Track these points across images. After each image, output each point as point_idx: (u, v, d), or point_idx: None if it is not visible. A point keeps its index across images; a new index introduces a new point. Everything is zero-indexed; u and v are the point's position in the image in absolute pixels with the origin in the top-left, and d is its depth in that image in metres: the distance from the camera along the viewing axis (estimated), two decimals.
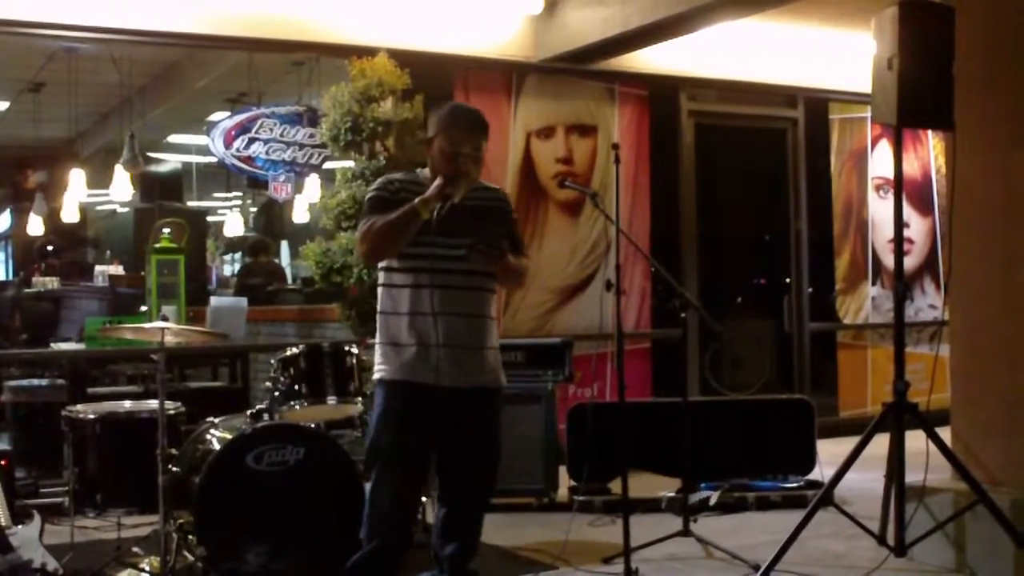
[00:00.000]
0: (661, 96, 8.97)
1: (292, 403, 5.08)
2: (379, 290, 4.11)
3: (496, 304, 4.18)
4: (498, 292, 4.21)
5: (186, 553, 4.95)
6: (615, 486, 6.37)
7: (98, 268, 11.20)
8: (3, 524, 4.43)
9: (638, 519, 5.45)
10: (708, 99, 9.37)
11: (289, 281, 12.31)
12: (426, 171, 4.15)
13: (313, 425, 5.09)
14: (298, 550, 4.84)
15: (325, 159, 8.79)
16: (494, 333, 4.15)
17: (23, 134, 13.11)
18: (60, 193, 11.33)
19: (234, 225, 13.38)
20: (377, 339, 4.10)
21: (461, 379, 3.99)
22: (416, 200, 3.87)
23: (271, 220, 15.60)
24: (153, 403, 5.23)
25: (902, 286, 5.03)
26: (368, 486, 4.04)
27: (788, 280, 9.71)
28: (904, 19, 4.72)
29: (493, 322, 4.14)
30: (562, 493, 6.67)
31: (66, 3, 6.81)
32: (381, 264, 4.10)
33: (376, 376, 4.10)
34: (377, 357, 4.09)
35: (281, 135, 8.56)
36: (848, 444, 4.90)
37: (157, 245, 8.03)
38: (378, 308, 4.10)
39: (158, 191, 13.83)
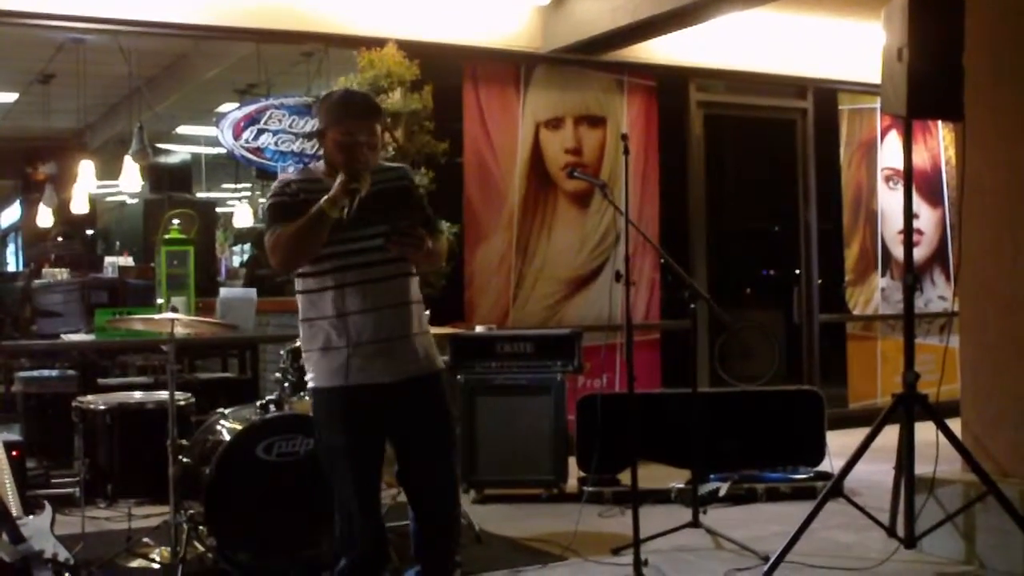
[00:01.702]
0: (670, 87, 8.95)
1: (302, 394, 5.07)
2: (298, 297, 3.90)
3: (418, 287, 3.96)
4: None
5: (196, 543, 4.97)
6: (624, 477, 6.36)
7: (107, 259, 11.21)
8: (15, 514, 4.44)
9: (647, 510, 5.46)
10: (717, 90, 9.35)
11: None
12: (320, 165, 3.95)
13: None
14: (308, 541, 4.85)
15: None
16: (422, 318, 3.94)
17: (33, 125, 13.11)
18: (69, 184, 11.34)
19: (243, 216, 13.38)
20: (304, 347, 3.90)
21: (398, 372, 3.80)
22: (321, 201, 3.65)
23: None
24: (163, 394, 5.24)
25: (912, 277, 5.03)
26: (336, 495, 3.85)
27: (797, 271, 9.70)
28: (914, 10, 4.71)
29: (419, 306, 3.93)
30: (571, 484, 6.67)
31: None
32: (296, 272, 3.89)
33: (310, 385, 3.89)
34: (307, 365, 3.89)
35: (290, 126, 8.54)
36: (858, 435, 4.90)
37: (166, 236, 8.02)
38: (300, 316, 3.90)
39: (167, 182, 13.89)
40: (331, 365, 3.81)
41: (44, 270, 10.61)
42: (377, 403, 3.80)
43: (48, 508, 4.62)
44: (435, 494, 3.93)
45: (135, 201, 14.66)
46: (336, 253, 3.77)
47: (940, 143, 10.14)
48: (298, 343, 5.10)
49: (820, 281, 9.67)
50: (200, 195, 15.38)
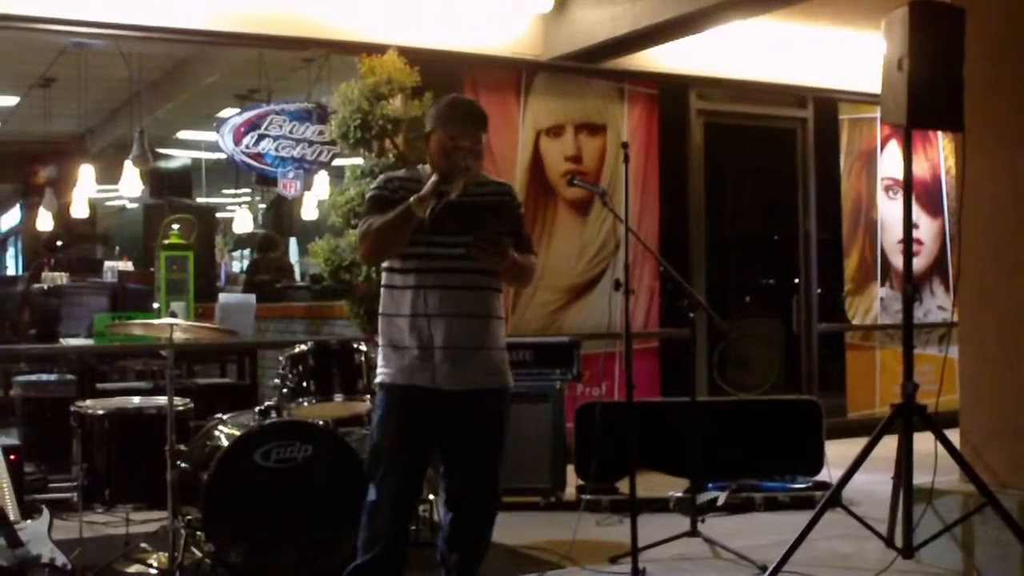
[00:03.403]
0: (670, 95, 8.96)
1: (300, 400, 5.09)
2: (381, 291, 4.00)
3: (501, 303, 4.06)
4: (504, 290, 4.10)
5: (194, 549, 4.96)
6: (623, 485, 6.36)
7: (107, 264, 11.21)
8: (12, 519, 4.43)
9: (645, 519, 5.46)
10: (717, 98, 9.36)
11: (298, 278, 12.34)
12: (426, 167, 4.03)
13: (321, 422, 5.10)
14: (305, 547, 4.85)
15: (334, 156, 8.80)
16: (499, 333, 4.01)
17: (33, 129, 13.13)
18: (69, 189, 11.35)
19: (243, 222, 13.40)
20: (379, 341, 3.99)
21: (463, 382, 3.86)
22: (411, 198, 3.74)
23: (280, 217, 15.64)
24: (162, 399, 5.24)
25: (911, 287, 5.02)
26: (369, 492, 3.90)
27: (796, 280, 9.70)
28: (914, 20, 4.70)
29: (498, 322, 4.01)
30: (569, 492, 6.67)
31: None
32: (384, 264, 3.99)
33: (377, 379, 3.99)
34: (379, 359, 3.99)
35: (290, 132, 8.56)
36: (856, 445, 4.89)
37: (166, 241, 8.04)
38: (380, 309, 3.99)
39: (167, 187, 13.91)
40: (398, 363, 3.88)
41: (43, 274, 10.60)
42: (434, 408, 3.85)
43: (46, 513, 4.62)
44: (477, 499, 4.00)
45: (135, 206, 14.68)
46: (422, 254, 3.84)
47: (940, 153, 10.15)
48: (297, 349, 5.17)
49: (819, 290, 9.67)
50: (200, 200, 15.39)
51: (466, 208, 3.79)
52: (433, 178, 3.76)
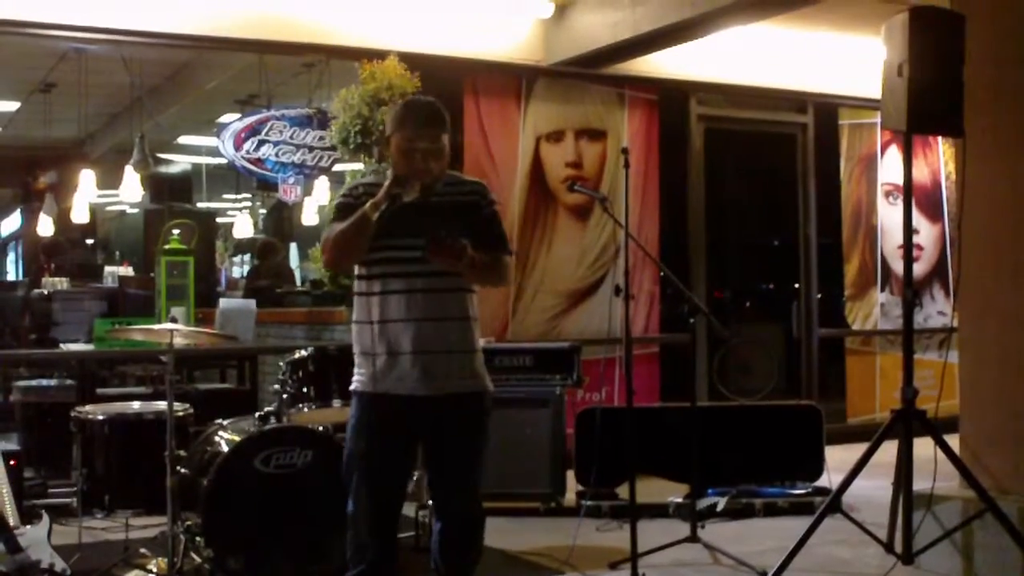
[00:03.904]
0: (671, 101, 8.97)
1: (300, 406, 5.08)
2: (354, 299, 3.94)
3: (473, 304, 3.95)
4: (477, 291, 4.01)
5: (193, 555, 4.95)
6: (623, 491, 6.35)
7: (107, 269, 11.22)
8: (12, 524, 4.43)
9: (645, 524, 5.46)
10: (718, 104, 9.36)
11: (298, 283, 12.32)
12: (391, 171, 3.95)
13: (321, 428, 5.09)
14: (305, 553, 4.85)
15: (335, 161, 8.80)
16: (471, 335, 3.92)
17: (34, 135, 13.13)
18: (70, 194, 11.34)
19: (243, 227, 13.38)
20: (354, 348, 3.94)
21: (434, 387, 3.79)
22: (367, 203, 3.69)
23: (280, 222, 15.62)
24: (162, 404, 5.23)
25: (911, 292, 5.02)
26: (349, 504, 3.86)
27: (797, 285, 9.70)
28: (915, 25, 4.71)
29: (469, 323, 3.92)
30: (569, 498, 6.67)
31: (77, 4, 6.84)
32: (354, 272, 3.93)
33: (351, 387, 3.94)
34: (355, 368, 3.93)
35: (291, 137, 8.57)
36: (856, 451, 4.89)
37: (166, 246, 8.05)
38: (352, 317, 3.94)
39: (168, 192, 13.89)
40: (367, 370, 3.84)
41: (44, 279, 10.60)
42: (407, 414, 3.80)
43: (45, 518, 4.62)
44: (462, 505, 3.96)
45: (135, 211, 14.67)
46: (384, 259, 3.81)
47: (940, 158, 10.15)
48: (297, 354, 5.17)
49: (819, 295, 9.67)
50: (200, 205, 15.39)
51: (420, 210, 3.72)
52: (387, 181, 3.71)
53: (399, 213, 3.69)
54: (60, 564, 4.41)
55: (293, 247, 15.78)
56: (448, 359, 3.84)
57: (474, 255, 3.72)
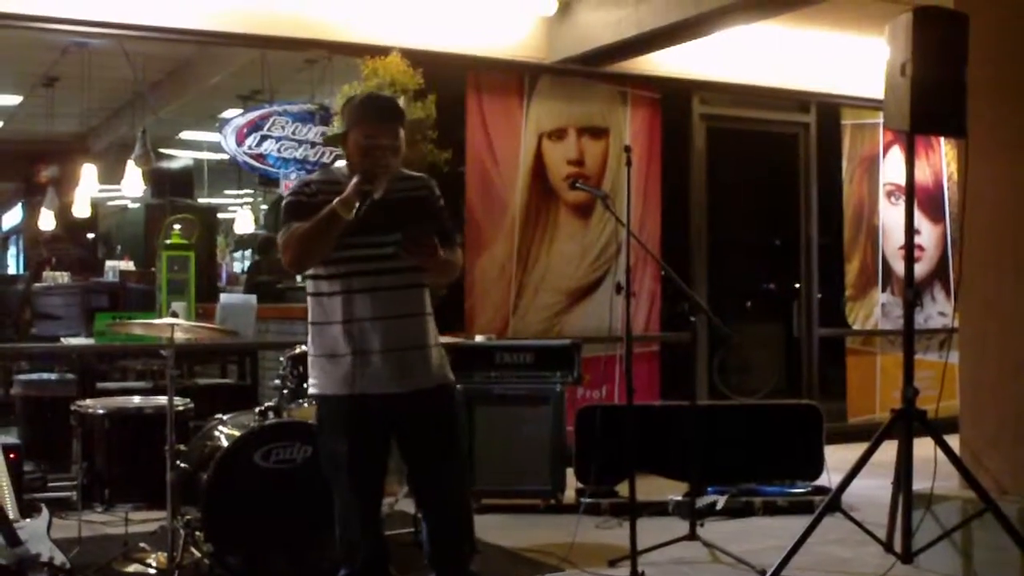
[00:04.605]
0: (673, 99, 8.96)
1: (300, 401, 5.08)
2: (308, 300, 3.89)
3: (428, 300, 3.95)
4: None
5: (193, 549, 4.96)
6: (622, 489, 6.36)
7: (108, 263, 11.22)
8: (11, 518, 4.44)
9: (645, 522, 5.45)
10: (720, 103, 9.35)
11: (299, 279, 12.32)
12: (342, 167, 3.93)
13: None
14: (304, 548, 4.85)
15: (336, 158, 8.78)
16: (433, 330, 3.94)
17: (36, 129, 13.14)
18: (72, 188, 11.37)
19: (245, 222, 13.40)
20: (310, 352, 3.89)
21: (407, 383, 3.78)
22: (335, 201, 3.64)
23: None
24: (162, 399, 5.23)
25: (912, 293, 5.02)
26: (335, 503, 3.85)
27: (798, 285, 9.70)
28: (918, 25, 4.71)
29: (430, 318, 3.93)
30: (569, 495, 6.66)
31: None
32: (308, 272, 3.88)
33: (312, 391, 3.89)
34: (311, 371, 3.88)
35: (293, 133, 8.56)
36: (856, 450, 4.88)
37: (168, 241, 8.05)
38: (309, 319, 3.88)
39: (169, 187, 13.90)
40: (337, 372, 3.79)
41: (44, 273, 10.62)
42: (383, 413, 3.79)
43: (45, 512, 4.62)
44: (444, 497, 3.92)
45: (137, 206, 14.68)
46: (348, 258, 3.76)
47: (942, 159, 10.14)
48: (298, 350, 5.16)
49: (820, 295, 9.67)
50: (202, 201, 15.39)
51: (391, 206, 3.73)
52: (356, 178, 3.66)
53: (367, 210, 3.66)
54: (60, 558, 4.42)
55: None
56: (417, 354, 3.84)
57: (440, 252, 3.75)
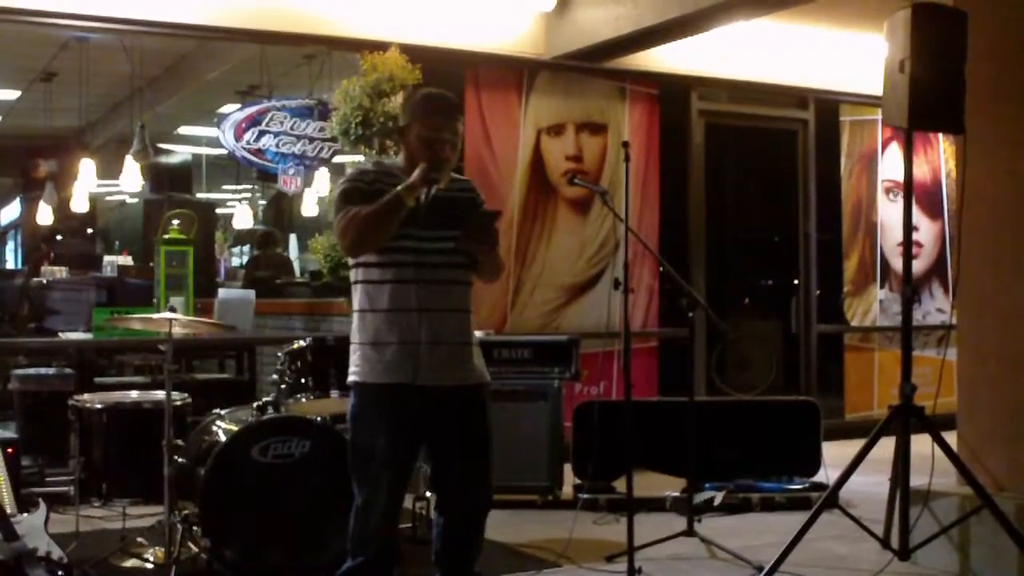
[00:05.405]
0: (672, 95, 8.97)
1: (298, 396, 5.07)
2: (355, 288, 3.90)
3: (471, 298, 3.99)
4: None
5: (190, 544, 4.96)
6: (620, 484, 6.37)
7: (107, 258, 11.21)
8: (9, 512, 4.43)
9: (642, 518, 5.45)
10: (719, 99, 9.36)
11: (297, 274, 12.33)
12: (396, 161, 3.99)
13: (319, 418, 5.09)
14: (302, 542, 4.85)
15: (335, 153, 8.81)
16: (472, 328, 3.98)
17: (34, 123, 13.13)
18: (70, 183, 11.34)
19: (243, 218, 13.38)
20: (353, 339, 3.89)
21: (448, 377, 3.80)
22: (399, 188, 3.68)
23: (280, 213, 15.63)
24: (160, 394, 5.24)
25: (910, 289, 5.03)
26: (359, 493, 3.82)
27: (796, 281, 9.71)
28: (917, 22, 4.71)
29: (471, 316, 3.96)
30: (567, 491, 6.67)
31: None
32: (355, 261, 3.90)
33: (353, 379, 3.87)
34: (353, 358, 3.87)
35: (291, 128, 8.58)
36: (854, 447, 4.89)
37: (166, 236, 8.04)
38: (355, 307, 3.89)
39: (167, 182, 13.90)
40: (377, 360, 3.80)
41: (43, 268, 10.60)
42: (421, 405, 3.79)
43: (42, 506, 4.62)
44: (469, 498, 3.94)
45: (135, 201, 14.67)
46: (402, 248, 3.79)
47: (941, 156, 10.15)
48: (295, 345, 5.16)
49: (818, 292, 9.68)
50: (200, 196, 15.39)
51: (451, 201, 3.78)
52: (422, 166, 3.69)
53: (430, 202, 3.70)
54: (57, 552, 4.41)
55: (293, 238, 15.78)
56: (462, 350, 3.87)
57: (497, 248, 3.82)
